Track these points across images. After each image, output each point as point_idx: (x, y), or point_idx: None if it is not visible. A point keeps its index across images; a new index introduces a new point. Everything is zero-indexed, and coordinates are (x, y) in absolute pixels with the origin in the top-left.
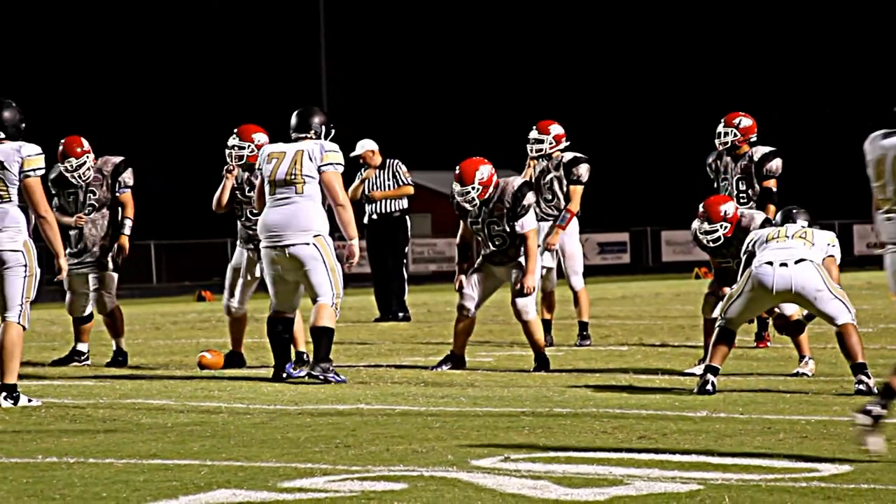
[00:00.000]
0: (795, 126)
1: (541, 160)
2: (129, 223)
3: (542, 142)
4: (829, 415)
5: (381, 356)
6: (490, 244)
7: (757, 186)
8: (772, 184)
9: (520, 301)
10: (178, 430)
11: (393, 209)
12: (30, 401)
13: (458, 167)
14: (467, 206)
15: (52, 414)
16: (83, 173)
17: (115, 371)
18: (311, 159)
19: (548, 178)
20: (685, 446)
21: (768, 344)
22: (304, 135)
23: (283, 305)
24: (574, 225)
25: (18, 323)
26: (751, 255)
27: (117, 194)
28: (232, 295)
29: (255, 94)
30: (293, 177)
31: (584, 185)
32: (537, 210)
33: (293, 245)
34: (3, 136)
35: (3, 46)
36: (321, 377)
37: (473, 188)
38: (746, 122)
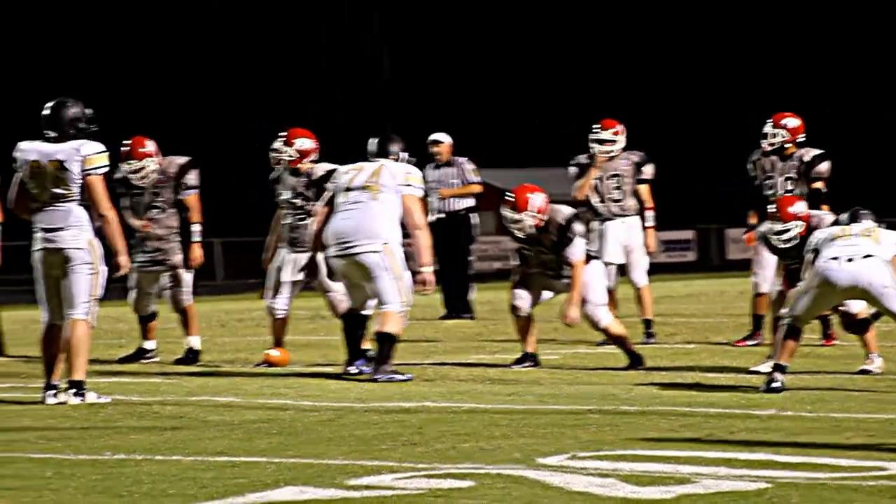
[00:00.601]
0: (848, 124)
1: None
2: (198, 228)
3: (613, 142)
4: None
5: (447, 354)
6: (542, 269)
7: (804, 188)
8: (821, 185)
9: (588, 310)
10: (245, 428)
11: (459, 207)
12: (98, 397)
13: (510, 193)
14: (519, 233)
15: (120, 411)
16: (146, 175)
17: (183, 368)
18: (391, 176)
19: (613, 177)
20: (752, 444)
21: (835, 342)
22: (382, 160)
23: (357, 303)
24: (635, 222)
25: (85, 320)
26: (815, 253)
27: (181, 196)
28: (274, 295)
29: (316, 93)
30: (371, 184)
31: (650, 183)
32: (604, 210)
33: (360, 253)
34: (54, 134)
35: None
36: (385, 379)
37: (527, 215)
38: (794, 122)
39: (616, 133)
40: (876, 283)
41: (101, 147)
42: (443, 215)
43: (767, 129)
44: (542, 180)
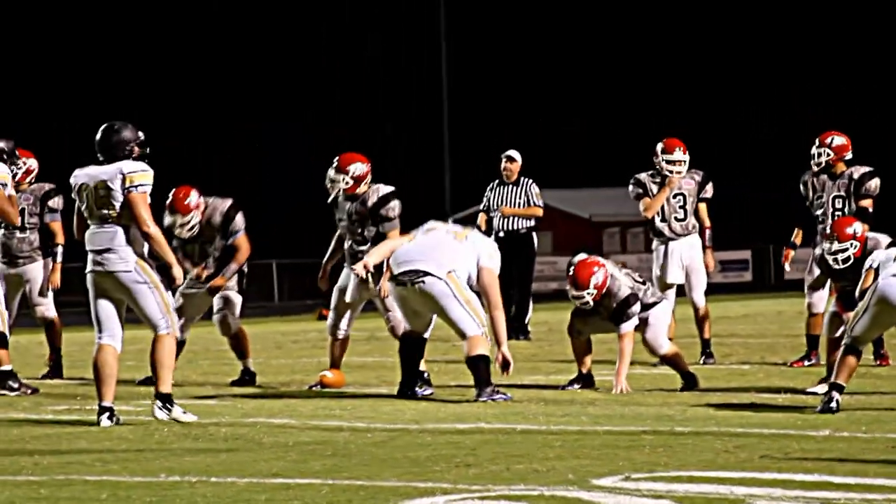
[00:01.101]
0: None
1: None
2: (233, 268)
3: (684, 162)
4: None
5: (502, 375)
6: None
7: (853, 206)
8: (868, 203)
9: (648, 338)
10: (299, 449)
11: (520, 227)
12: (184, 413)
13: (572, 269)
14: (578, 305)
15: (175, 432)
16: (191, 228)
17: (237, 390)
18: (478, 242)
19: (678, 196)
20: (808, 465)
21: (890, 362)
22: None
23: (416, 326)
24: (696, 241)
25: (168, 334)
26: (875, 273)
27: (230, 242)
28: (338, 316)
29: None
30: (458, 232)
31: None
32: (665, 229)
33: (425, 282)
34: (103, 158)
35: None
36: (488, 400)
37: (588, 293)
38: (840, 140)
39: (685, 152)
40: None
41: (145, 166)
42: (501, 234)
43: (814, 149)
44: (594, 200)
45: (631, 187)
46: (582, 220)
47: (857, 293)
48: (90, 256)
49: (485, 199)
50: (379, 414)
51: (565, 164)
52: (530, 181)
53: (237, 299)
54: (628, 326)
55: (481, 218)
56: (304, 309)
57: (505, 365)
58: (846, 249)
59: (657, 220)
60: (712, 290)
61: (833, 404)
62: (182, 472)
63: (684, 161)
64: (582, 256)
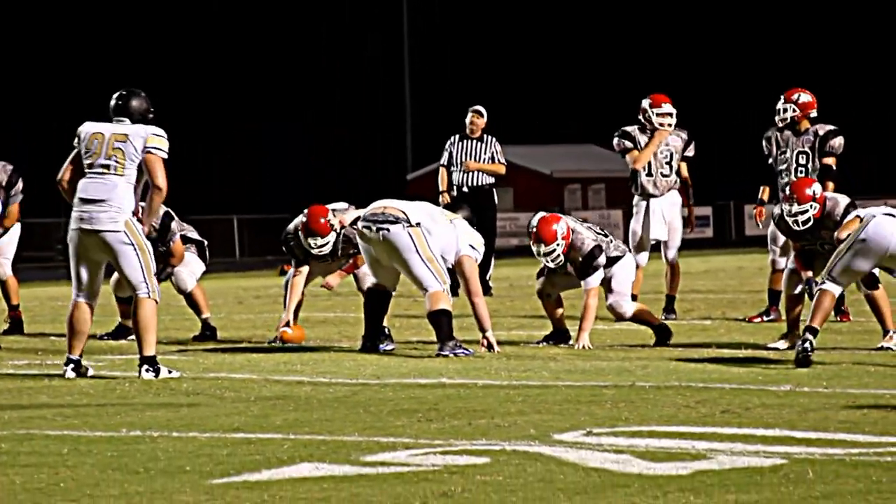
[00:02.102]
0: (868, 99)
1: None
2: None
3: (673, 115)
4: None
5: (463, 330)
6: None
7: (817, 163)
8: (832, 161)
9: (612, 303)
10: (261, 404)
11: (484, 182)
12: (170, 372)
13: (533, 228)
14: (552, 265)
15: (136, 388)
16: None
17: (199, 345)
18: (461, 230)
19: (666, 152)
20: (768, 420)
21: (851, 318)
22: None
23: (382, 279)
24: (678, 198)
25: (149, 297)
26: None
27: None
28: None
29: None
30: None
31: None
32: (650, 185)
33: (388, 228)
34: (128, 121)
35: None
36: (450, 354)
37: (557, 244)
38: (806, 97)
39: (672, 106)
40: None
41: (165, 134)
42: (465, 189)
43: (779, 104)
44: (555, 156)
45: (617, 140)
46: (543, 177)
47: (835, 236)
48: (77, 211)
49: (445, 154)
50: (341, 369)
51: (526, 120)
52: (493, 139)
53: (192, 259)
54: (594, 281)
55: (442, 173)
56: (265, 265)
57: (489, 348)
58: (806, 211)
59: (643, 175)
60: None
61: (807, 345)
62: (143, 426)
63: (673, 114)
64: (540, 215)
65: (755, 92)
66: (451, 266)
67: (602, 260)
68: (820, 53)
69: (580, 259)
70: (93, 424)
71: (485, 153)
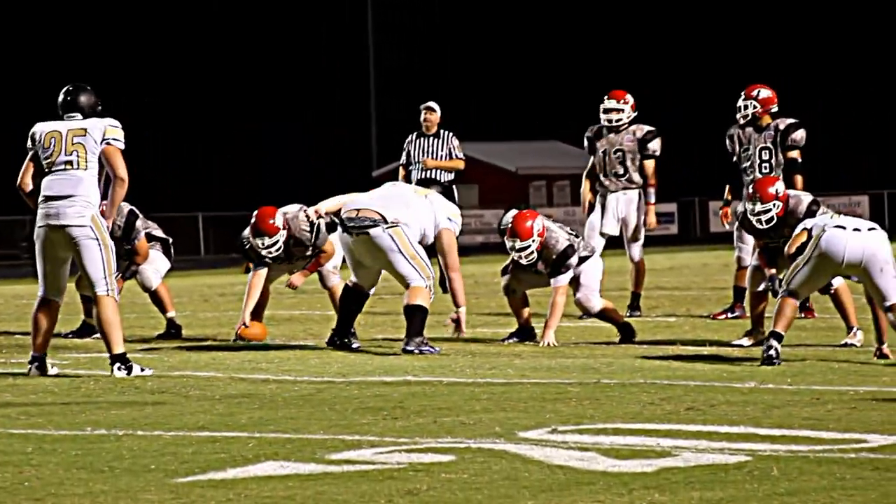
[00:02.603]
0: (840, 92)
1: (609, 132)
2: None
3: (621, 111)
4: (878, 385)
5: (429, 328)
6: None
7: (780, 157)
8: (796, 154)
9: (581, 298)
10: (226, 403)
11: (443, 179)
12: (142, 370)
13: (510, 224)
14: (525, 261)
15: (101, 386)
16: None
17: (164, 343)
18: (439, 205)
19: (618, 151)
20: (733, 417)
21: (816, 314)
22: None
23: (362, 280)
24: (635, 196)
25: (108, 295)
26: (809, 231)
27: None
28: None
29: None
30: (417, 189)
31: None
32: (606, 183)
33: (368, 231)
34: (80, 116)
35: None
36: (416, 351)
37: (533, 241)
38: (766, 93)
39: (623, 102)
40: (880, 256)
41: (119, 124)
42: None
43: (740, 102)
44: (520, 153)
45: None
46: (508, 173)
47: (785, 251)
48: (44, 207)
49: (403, 153)
50: (306, 367)
51: (491, 117)
52: (450, 134)
53: (157, 257)
54: (563, 280)
55: (401, 172)
56: (230, 262)
57: (456, 324)
58: (769, 210)
59: (601, 175)
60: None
61: (773, 352)
62: (108, 425)
63: (619, 110)
64: (514, 212)
65: (720, 87)
66: (427, 242)
67: (574, 260)
68: (783, 50)
69: (553, 257)
70: (57, 423)
71: (442, 149)
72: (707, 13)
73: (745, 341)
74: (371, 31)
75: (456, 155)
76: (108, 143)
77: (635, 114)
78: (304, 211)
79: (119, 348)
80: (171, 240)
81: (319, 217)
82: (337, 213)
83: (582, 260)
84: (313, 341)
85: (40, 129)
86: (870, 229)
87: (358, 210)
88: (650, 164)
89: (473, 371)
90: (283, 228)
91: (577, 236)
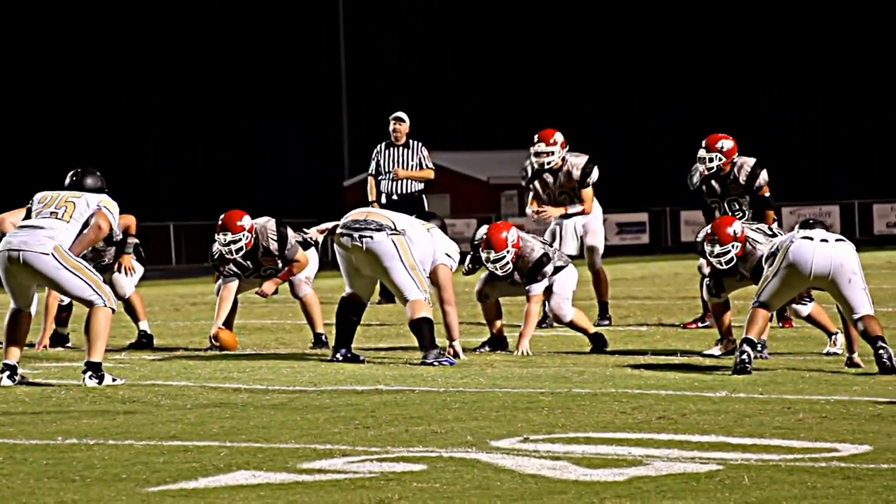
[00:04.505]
0: (812, 102)
1: (544, 174)
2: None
3: (551, 153)
4: (849, 395)
5: (400, 337)
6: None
7: (747, 197)
8: (764, 191)
9: (553, 306)
10: (197, 412)
11: (413, 189)
12: (113, 380)
13: (484, 234)
14: (500, 272)
15: (72, 395)
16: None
17: (135, 353)
18: (432, 235)
19: (563, 194)
20: (704, 426)
21: (794, 324)
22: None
23: (358, 290)
24: (597, 205)
25: (105, 306)
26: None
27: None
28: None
29: (272, 70)
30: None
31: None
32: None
33: (371, 236)
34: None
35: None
36: (435, 363)
37: (507, 252)
38: (728, 143)
39: (552, 143)
40: (847, 267)
41: (115, 203)
42: (395, 197)
43: (702, 153)
44: (492, 163)
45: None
46: (479, 183)
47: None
48: (9, 236)
49: (372, 163)
50: (277, 376)
51: (462, 127)
52: (420, 144)
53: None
54: (539, 288)
55: (370, 182)
56: (201, 271)
57: (455, 357)
58: (728, 252)
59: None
60: (609, 252)
61: (745, 356)
62: (79, 434)
63: (549, 152)
64: (486, 226)
65: (691, 93)
66: (426, 275)
67: (550, 268)
68: (781, 52)
69: (529, 266)
70: (28, 432)
71: (412, 159)
72: (679, 24)
73: (716, 350)
74: (342, 37)
75: (426, 165)
76: (98, 208)
77: (566, 150)
78: (279, 224)
79: (98, 357)
80: (141, 248)
81: (322, 234)
82: (333, 229)
83: (557, 269)
84: (285, 350)
85: (41, 194)
86: (837, 240)
87: (367, 213)
88: (588, 192)
89: (445, 380)
90: (250, 233)
91: (550, 245)
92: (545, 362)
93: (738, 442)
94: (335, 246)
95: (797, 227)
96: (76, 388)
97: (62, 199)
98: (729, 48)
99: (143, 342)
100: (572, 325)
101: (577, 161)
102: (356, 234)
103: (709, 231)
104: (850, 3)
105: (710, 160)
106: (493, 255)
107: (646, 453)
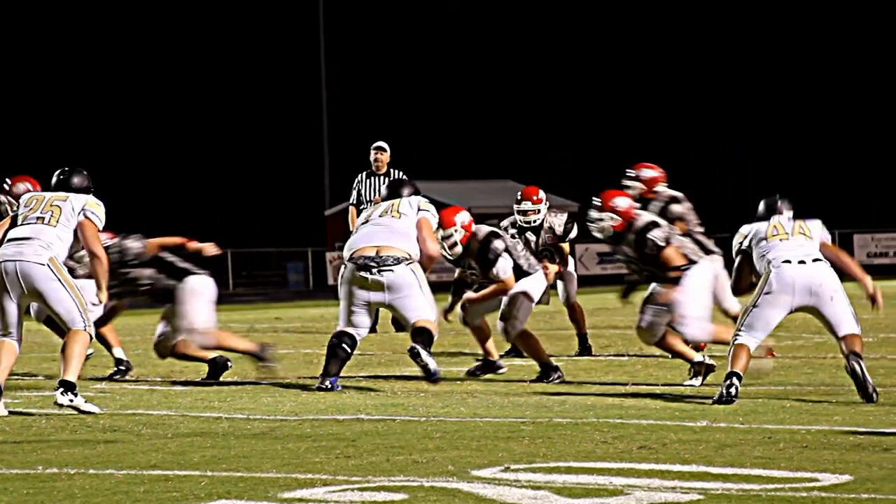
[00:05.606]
0: (796, 133)
1: (526, 231)
2: None
3: (537, 211)
4: (830, 424)
5: (381, 366)
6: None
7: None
8: (681, 227)
9: (500, 325)
10: (178, 441)
11: None
12: (86, 402)
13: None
14: (449, 253)
15: (53, 425)
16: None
17: (116, 382)
18: (409, 206)
19: (544, 251)
20: (685, 456)
21: (775, 354)
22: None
23: (361, 323)
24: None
25: (85, 330)
26: (745, 253)
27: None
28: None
29: (253, 99)
30: (390, 211)
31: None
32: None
33: (392, 269)
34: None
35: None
36: (424, 353)
37: (455, 230)
38: (651, 172)
39: (537, 201)
40: (827, 286)
41: (101, 203)
42: None
43: (626, 181)
44: (473, 192)
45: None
46: None
47: (731, 284)
48: (4, 248)
49: (353, 193)
50: (259, 405)
51: (443, 156)
52: (401, 173)
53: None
54: (503, 270)
55: (352, 212)
56: None
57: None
58: (603, 219)
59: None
60: (591, 282)
61: (733, 389)
62: (60, 464)
63: (535, 210)
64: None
65: (662, 125)
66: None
67: (499, 244)
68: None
69: (478, 250)
70: (9, 462)
71: None
72: (659, 47)
73: (696, 381)
74: (323, 64)
75: None
76: (85, 216)
77: (548, 205)
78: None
79: (72, 377)
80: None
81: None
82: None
83: (524, 273)
84: (265, 379)
85: (27, 195)
86: (814, 260)
87: (377, 248)
88: (567, 246)
89: (426, 409)
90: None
91: (522, 250)
92: (526, 391)
93: (719, 472)
94: (346, 284)
95: (762, 204)
96: (57, 416)
97: (48, 203)
98: (698, 75)
99: (122, 370)
100: (518, 340)
101: (558, 220)
102: (375, 270)
103: (596, 200)
104: (828, 30)
105: (633, 188)
106: (441, 233)
107: (627, 483)
